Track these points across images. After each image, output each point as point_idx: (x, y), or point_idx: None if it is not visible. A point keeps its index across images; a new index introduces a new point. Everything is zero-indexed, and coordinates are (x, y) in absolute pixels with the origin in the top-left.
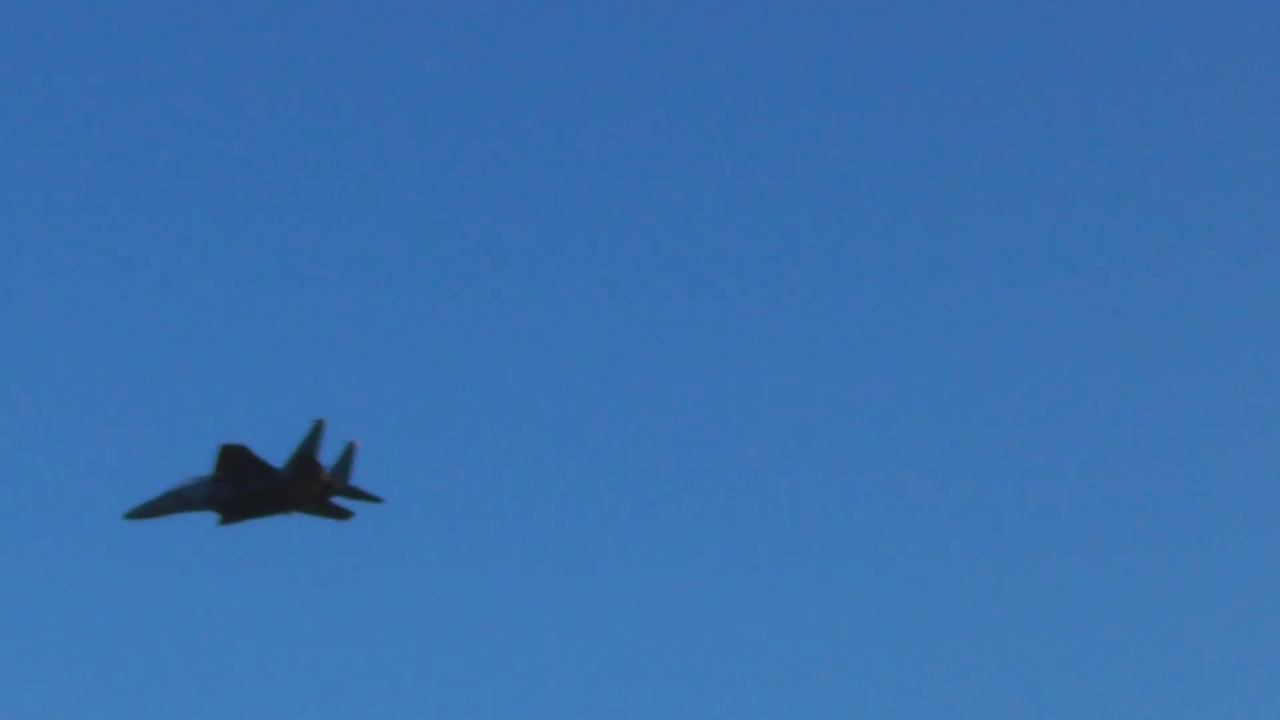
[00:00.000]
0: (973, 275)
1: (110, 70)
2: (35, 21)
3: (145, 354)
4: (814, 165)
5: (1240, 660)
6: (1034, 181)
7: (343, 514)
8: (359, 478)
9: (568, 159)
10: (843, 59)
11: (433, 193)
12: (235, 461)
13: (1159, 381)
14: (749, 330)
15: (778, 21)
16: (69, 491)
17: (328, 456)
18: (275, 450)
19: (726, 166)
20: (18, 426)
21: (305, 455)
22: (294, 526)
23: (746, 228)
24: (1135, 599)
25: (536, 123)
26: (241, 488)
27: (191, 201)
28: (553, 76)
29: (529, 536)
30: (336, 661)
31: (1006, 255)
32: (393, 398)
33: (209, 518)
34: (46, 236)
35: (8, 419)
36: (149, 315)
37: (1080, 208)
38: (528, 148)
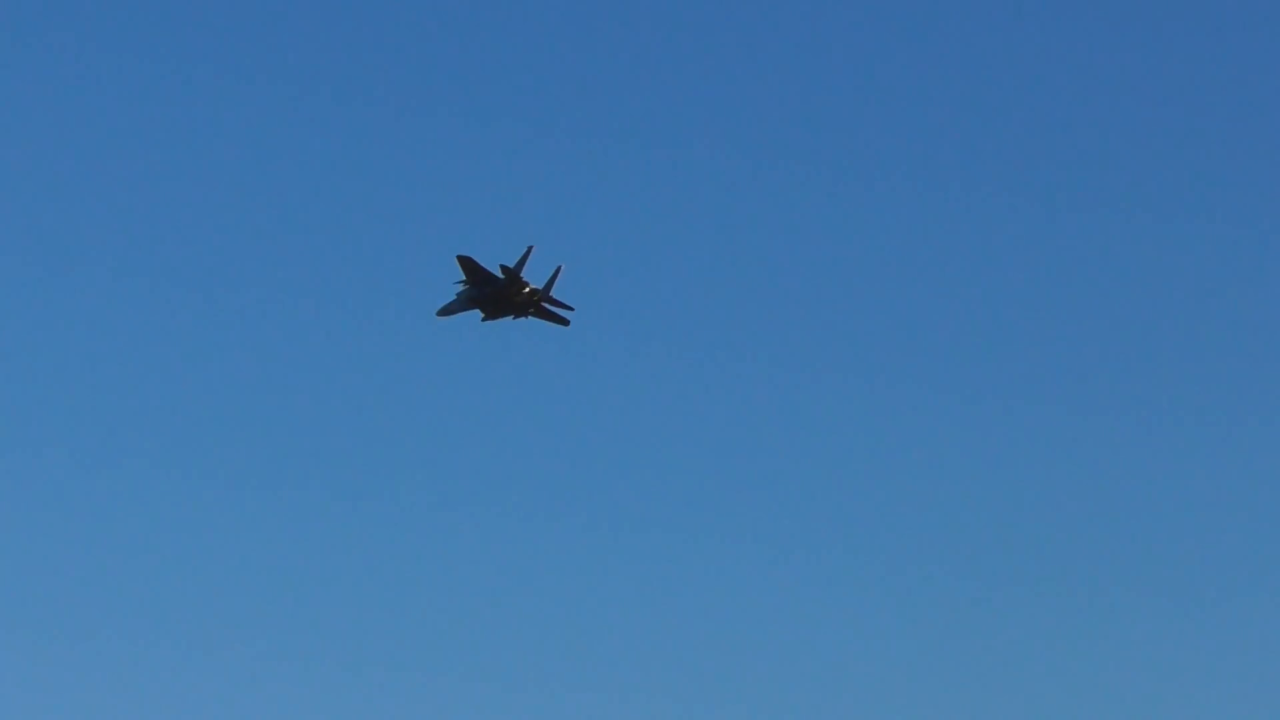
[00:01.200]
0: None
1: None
2: None
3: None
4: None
5: (1239, 660)
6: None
7: (562, 320)
8: (561, 292)
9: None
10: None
11: None
12: (469, 268)
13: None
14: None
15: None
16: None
17: (537, 276)
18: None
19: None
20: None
21: (513, 269)
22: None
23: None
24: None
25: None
26: (481, 290)
27: None
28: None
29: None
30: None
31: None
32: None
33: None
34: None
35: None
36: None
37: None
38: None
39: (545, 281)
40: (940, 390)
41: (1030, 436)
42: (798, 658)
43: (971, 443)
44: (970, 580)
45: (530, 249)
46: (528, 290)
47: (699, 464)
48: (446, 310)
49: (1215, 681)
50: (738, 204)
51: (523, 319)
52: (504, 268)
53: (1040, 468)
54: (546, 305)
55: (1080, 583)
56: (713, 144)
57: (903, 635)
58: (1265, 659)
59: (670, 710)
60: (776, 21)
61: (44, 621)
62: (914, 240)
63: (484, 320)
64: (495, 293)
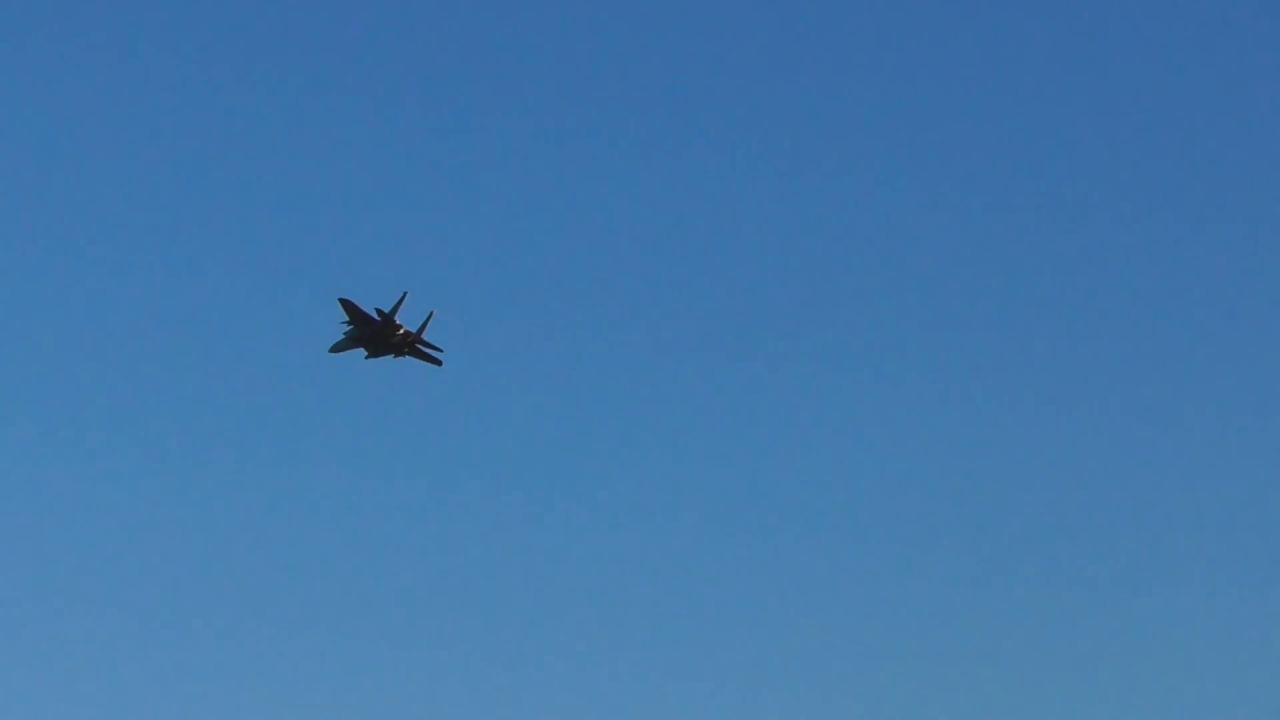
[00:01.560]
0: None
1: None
2: None
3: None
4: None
5: (1239, 660)
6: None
7: (434, 361)
8: (433, 336)
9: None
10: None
11: None
12: (350, 311)
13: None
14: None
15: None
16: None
17: (412, 320)
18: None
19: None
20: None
21: (386, 314)
22: (401, 364)
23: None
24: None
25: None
26: (361, 330)
27: None
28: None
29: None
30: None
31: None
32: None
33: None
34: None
35: None
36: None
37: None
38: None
39: (419, 325)
40: (939, 390)
41: (1030, 436)
42: (796, 659)
43: (971, 443)
44: (969, 580)
45: (405, 294)
46: (401, 332)
47: (687, 461)
48: (336, 347)
49: (1215, 681)
50: (727, 205)
51: (400, 358)
52: (379, 311)
53: (1040, 467)
54: (420, 346)
55: (1079, 583)
56: (707, 146)
57: (902, 635)
58: (1265, 659)
59: (665, 711)
60: (764, 22)
61: (44, 622)
62: (913, 240)
63: (367, 358)
64: (374, 333)
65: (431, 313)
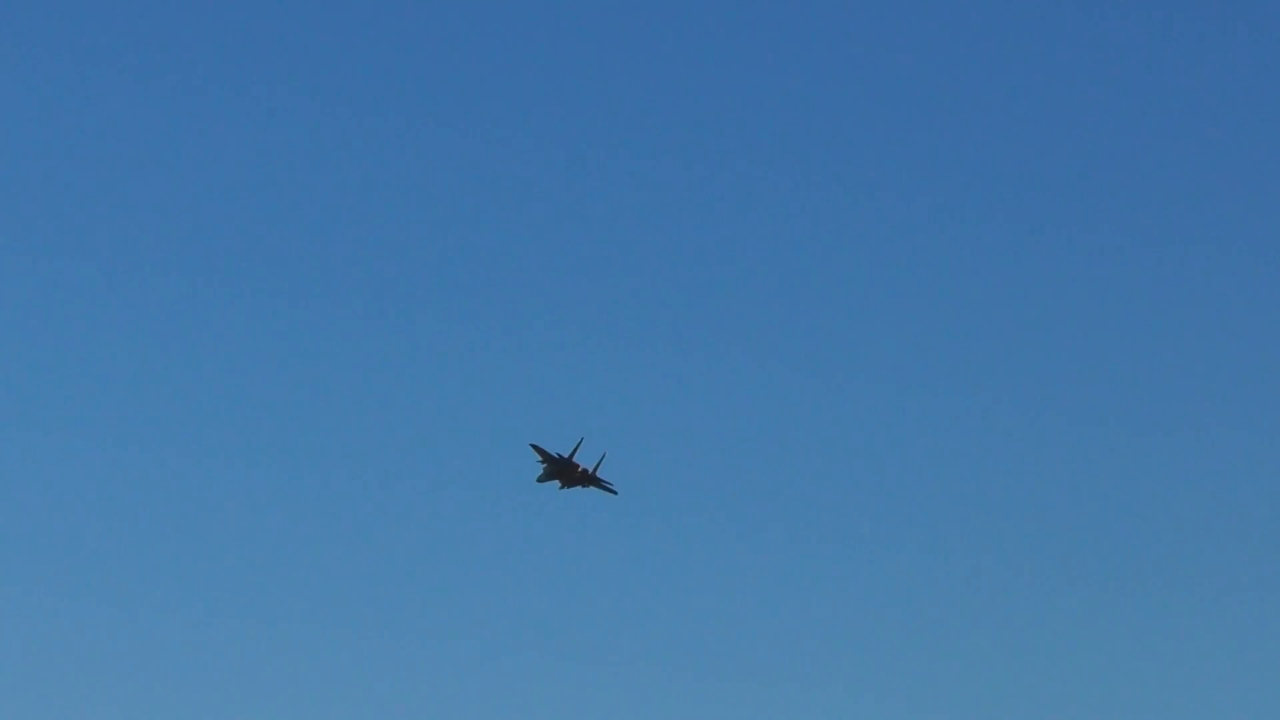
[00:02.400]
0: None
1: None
2: None
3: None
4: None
5: (1240, 660)
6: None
7: (611, 490)
8: (607, 472)
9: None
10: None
11: None
12: (540, 452)
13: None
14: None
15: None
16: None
17: (589, 459)
18: (566, 448)
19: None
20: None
21: (567, 457)
22: (590, 494)
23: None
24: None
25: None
26: (550, 468)
27: None
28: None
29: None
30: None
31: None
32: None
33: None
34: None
35: None
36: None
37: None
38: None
39: (594, 465)
40: (940, 390)
41: (1029, 437)
42: (795, 658)
43: (971, 443)
44: (970, 580)
45: (580, 441)
46: (580, 470)
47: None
48: (541, 479)
49: (1215, 681)
50: (723, 210)
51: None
52: (559, 455)
53: (1039, 468)
54: (599, 480)
55: (1080, 583)
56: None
57: (903, 635)
58: (1265, 659)
59: (666, 711)
60: (757, 24)
61: (42, 622)
62: (912, 241)
63: (561, 489)
64: (561, 470)
65: (604, 454)
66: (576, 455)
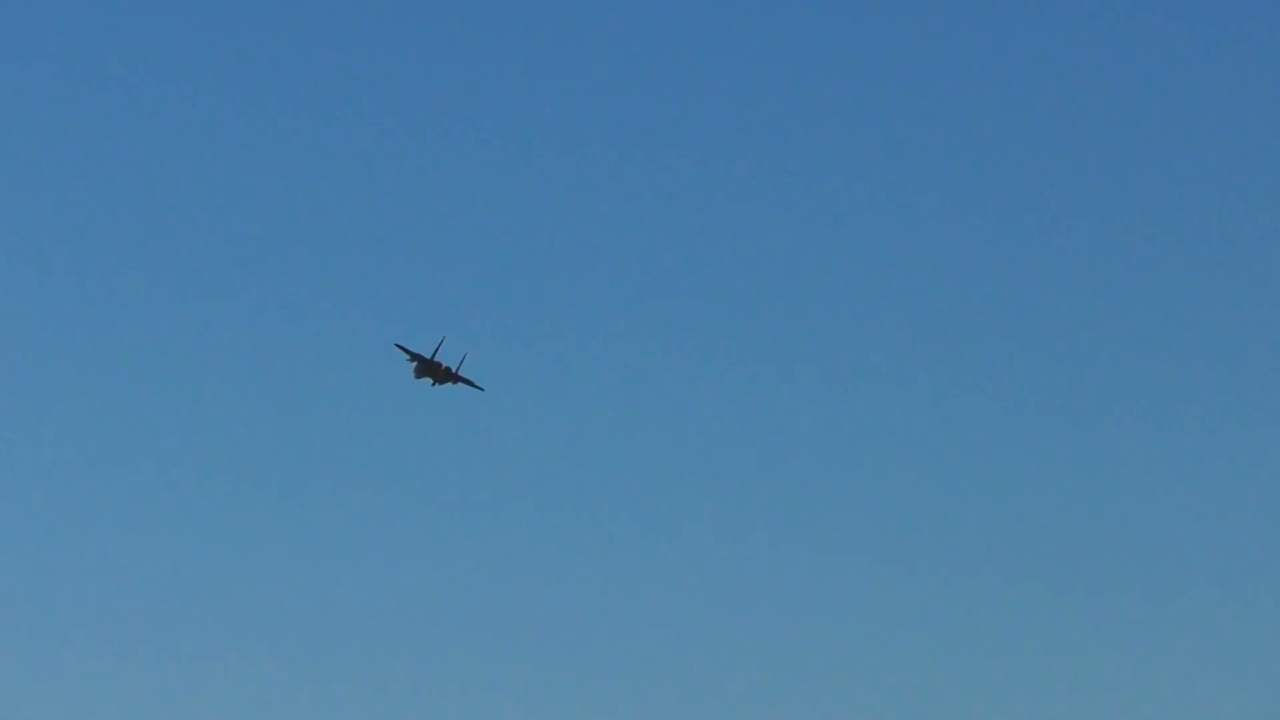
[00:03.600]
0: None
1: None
2: None
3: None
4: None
5: (1240, 660)
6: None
7: (477, 386)
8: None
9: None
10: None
11: None
12: (408, 352)
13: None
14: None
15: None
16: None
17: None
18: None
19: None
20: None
21: (428, 357)
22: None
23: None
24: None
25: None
26: (420, 366)
27: None
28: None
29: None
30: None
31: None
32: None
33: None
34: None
35: None
36: None
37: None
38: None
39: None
40: (939, 390)
41: (1029, 436)
42: (794, 659)
43: (970, 443)
44: (969, 580)
45: (443, 339)
46: (444, 368)
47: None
48: (416, 374)
49: (1215, 682)
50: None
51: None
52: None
53: (1040, 468)
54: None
55: (1079, 583)
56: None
57: (902, 635)
58: (1265, 659)
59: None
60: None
61: (42, 622)
62: (911, 241)
63: (432, 386)
64: (425, 369)
65: (464, 354)
66: (439, 355)
